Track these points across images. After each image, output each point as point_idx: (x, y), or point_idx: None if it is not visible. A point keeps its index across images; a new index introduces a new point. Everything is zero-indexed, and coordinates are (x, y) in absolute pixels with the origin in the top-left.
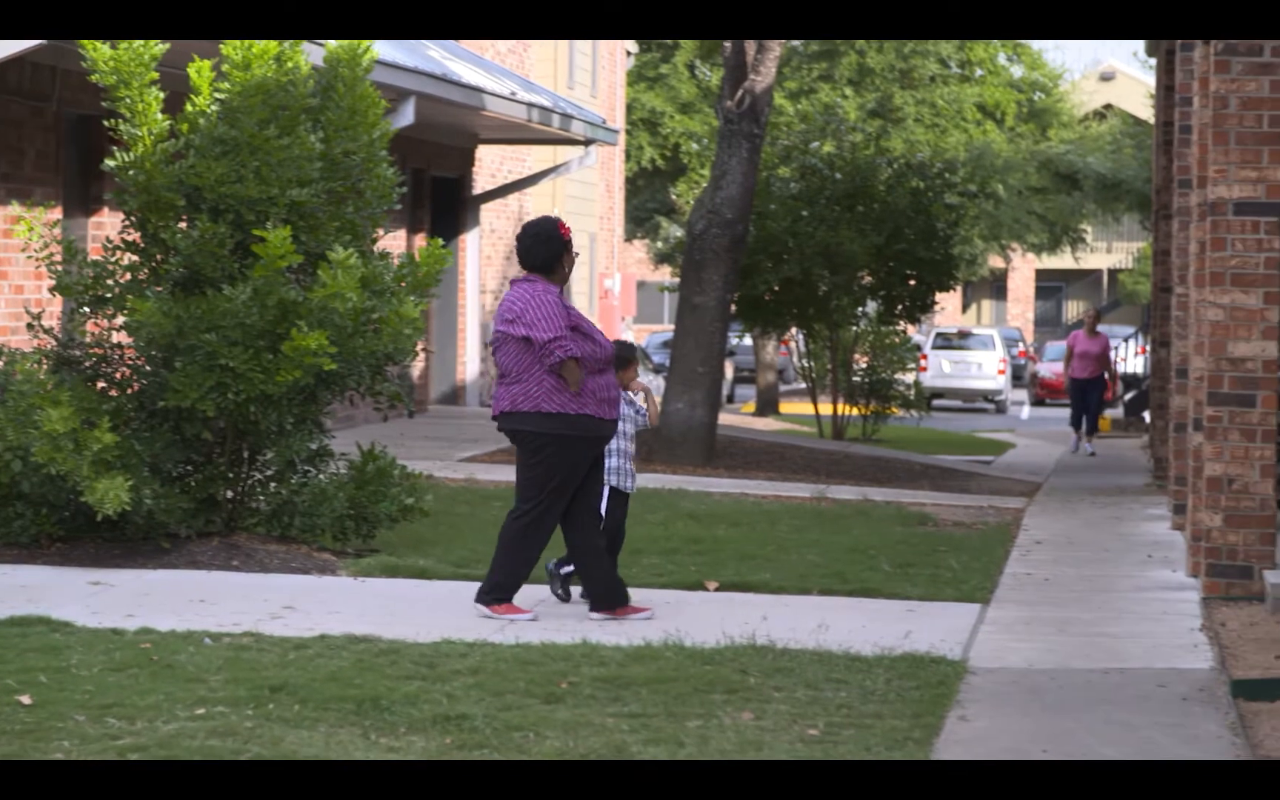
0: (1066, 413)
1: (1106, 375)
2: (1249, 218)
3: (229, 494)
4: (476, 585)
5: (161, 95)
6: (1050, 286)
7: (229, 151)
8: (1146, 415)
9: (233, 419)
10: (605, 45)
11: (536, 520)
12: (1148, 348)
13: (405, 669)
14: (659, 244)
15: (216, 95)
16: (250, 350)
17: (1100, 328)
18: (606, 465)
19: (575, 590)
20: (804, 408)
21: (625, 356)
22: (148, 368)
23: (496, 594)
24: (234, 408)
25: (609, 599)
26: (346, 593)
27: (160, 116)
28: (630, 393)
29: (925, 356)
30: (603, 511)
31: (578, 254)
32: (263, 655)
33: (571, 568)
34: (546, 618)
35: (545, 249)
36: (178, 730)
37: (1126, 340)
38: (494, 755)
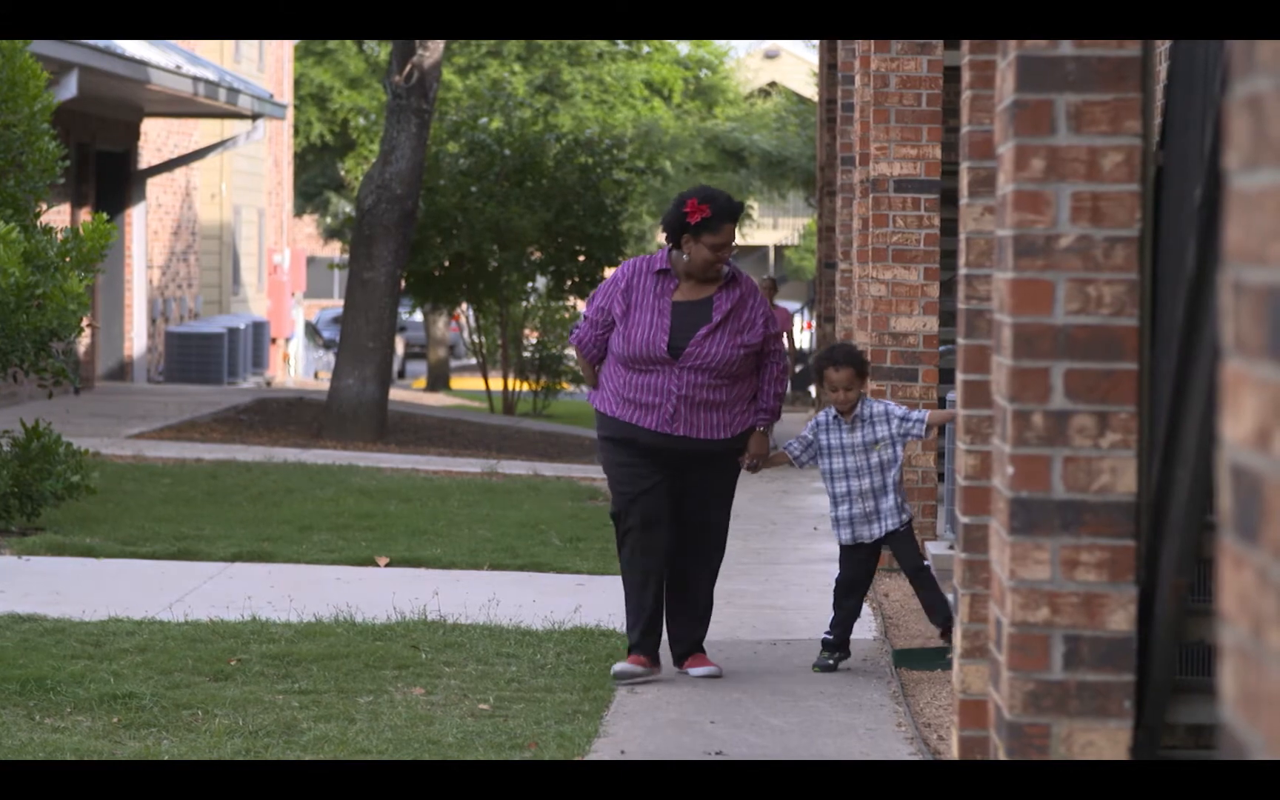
0: None
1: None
2: (909, 195)
3: None
4: (145, 563)
5: None
6: None
7: None
8: (813, 389)
9: None
10: None
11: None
12: (813, 323)
13: (71, 648)
14: (329, 219)
15: None
16: None
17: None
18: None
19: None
20: (475, 383)
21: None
22: None
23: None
24: None
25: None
26: (11, 572)
27: None
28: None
29: None
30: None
31: (713, 242)
32: None
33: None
34: (216, 595)
35: (668, 214)
36: None
37: (793, 315)
38: (162, 734)
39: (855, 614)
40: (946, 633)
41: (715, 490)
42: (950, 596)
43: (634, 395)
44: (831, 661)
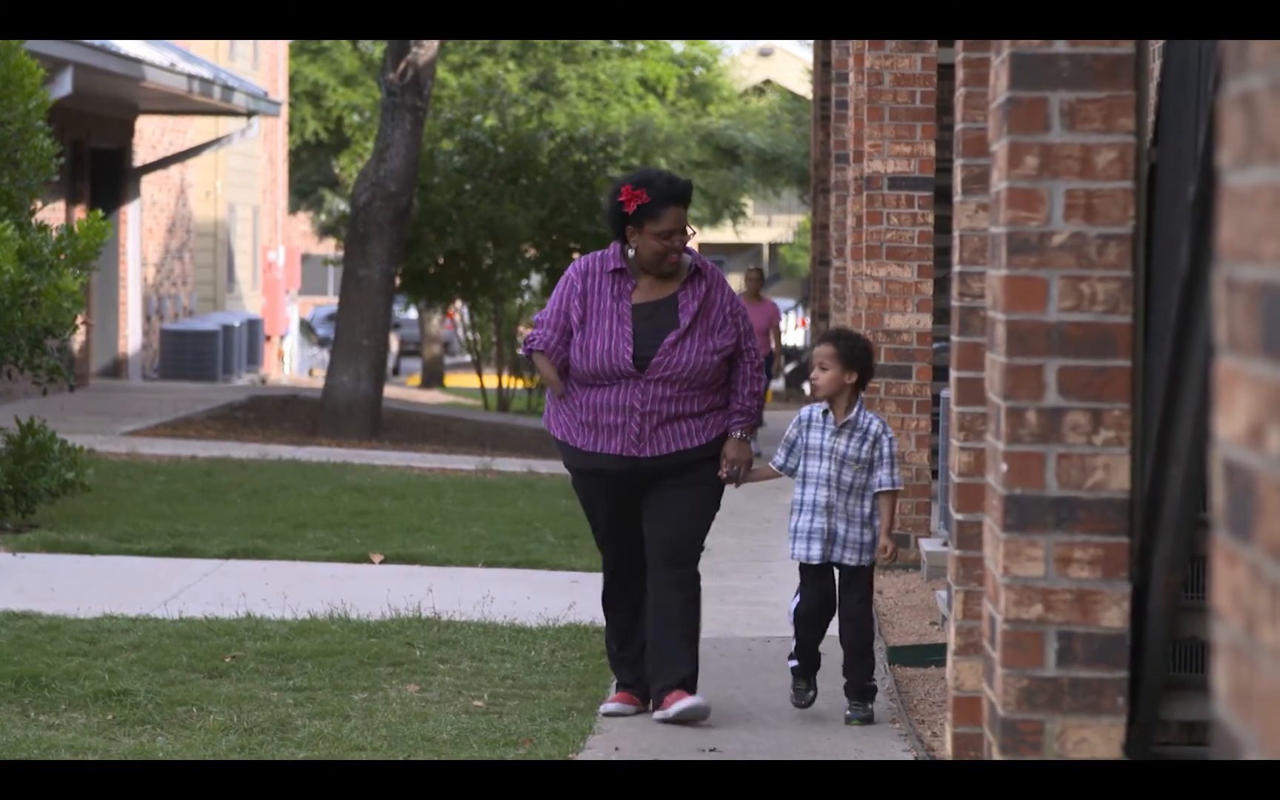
0: None
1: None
2: (903, 192)
3: None
4: (140, 560)
5: None
6: (712, 260)
7: None
8: (806, 386)
9: None
10: None
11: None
12: (808, 320)
13: (66, 645)
14: (323, 217)
15: None
16: None
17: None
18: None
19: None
20: (469, 380)
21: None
22: None
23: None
24: None
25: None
26: (5, 569)
27: None
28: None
29: None
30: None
31: (658, 230)
32: None
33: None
34: (210, 592)
35: (606, 206)
36: None
37: (787, 313)
38: (157, 731)
39: (815, 642)
40: (859, 699)
41: (689, 504)
42: (943, 594)
43: (593, 418)
44: (811, 694)
